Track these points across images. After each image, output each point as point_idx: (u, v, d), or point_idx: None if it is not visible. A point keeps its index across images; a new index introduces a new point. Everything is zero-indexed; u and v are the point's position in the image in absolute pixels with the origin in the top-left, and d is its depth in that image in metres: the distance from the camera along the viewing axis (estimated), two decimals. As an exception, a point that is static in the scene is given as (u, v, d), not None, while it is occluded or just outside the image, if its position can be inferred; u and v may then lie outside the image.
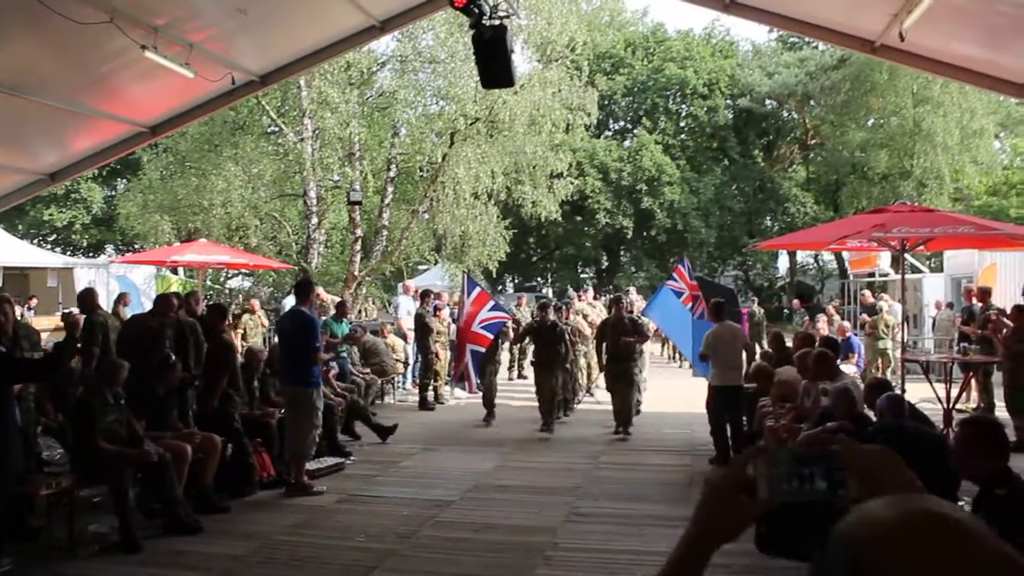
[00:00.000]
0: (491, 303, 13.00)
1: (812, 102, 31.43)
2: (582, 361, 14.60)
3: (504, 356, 16.24)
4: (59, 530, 6.74)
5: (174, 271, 22.98)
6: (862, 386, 9.82)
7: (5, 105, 10.23)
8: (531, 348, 13.92)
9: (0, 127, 11.08)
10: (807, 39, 27.22)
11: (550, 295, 22.73)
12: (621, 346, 11.65)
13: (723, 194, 31.59)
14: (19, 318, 12.89)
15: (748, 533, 1.25)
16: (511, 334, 15.15)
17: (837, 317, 16.63)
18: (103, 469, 6.75)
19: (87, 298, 9.83)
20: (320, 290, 17.13)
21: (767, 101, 32.89)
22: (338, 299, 15.41)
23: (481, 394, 13.19)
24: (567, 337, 12.45)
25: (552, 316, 12.82)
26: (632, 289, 21.55)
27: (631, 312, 12.91)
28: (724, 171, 32.97)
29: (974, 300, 13.76)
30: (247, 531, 7.17)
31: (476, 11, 8.91)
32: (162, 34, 9.43)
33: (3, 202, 13.56)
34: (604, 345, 12.03)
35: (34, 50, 9.48)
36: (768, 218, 33.60)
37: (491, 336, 12.81)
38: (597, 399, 13.48)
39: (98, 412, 6.92)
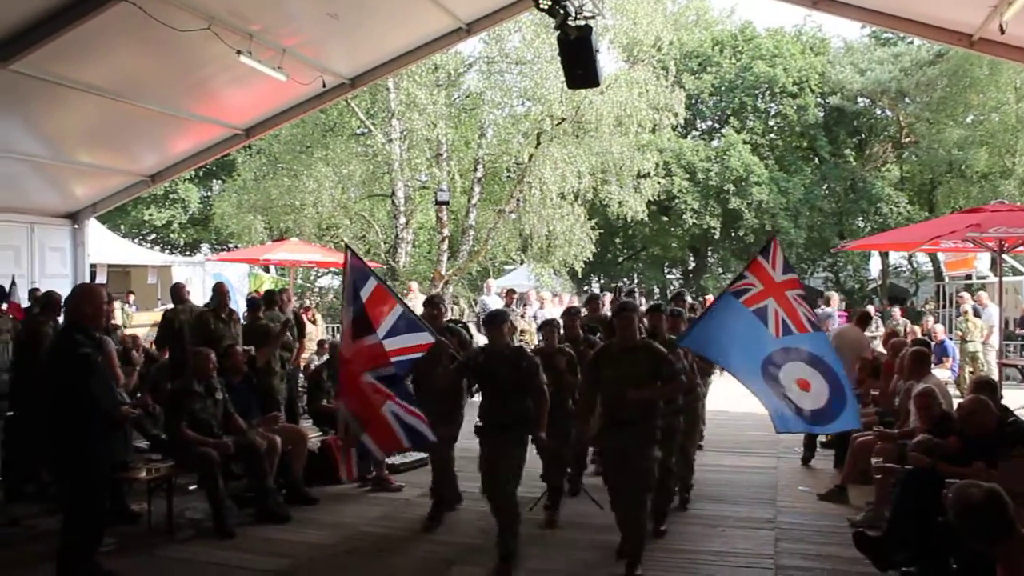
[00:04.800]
0: (396, 312, 6.82)
1: (907, 99, 30.47)
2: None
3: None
4: (157, 514, 7.09)
5: (266, 269, 23.59)
6: (954, 391, 9.62)
7: (110, 110, 10.73)
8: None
9: (106, 131, 11.60)
10: (901, 34, 26.48)
11: (637, 295, 22.36)
12: (630, 403, 6.01)
13: (813, 194, 30.90)
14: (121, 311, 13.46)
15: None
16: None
17: (904, 321, 15.99)
18: (192, 456, 7.05)
19: (175, 291, 10.35)
20: (413, 285, 17.26)
21: (859, 99, 31.97)
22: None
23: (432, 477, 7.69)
24: (542, 375, 6.53)
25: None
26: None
27: (656, 329, 7.37)
28: (814, 171, 32.23)
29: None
30: (333, 521, 7.37)
31: (561, 12, 8.96)
32: (256, 39, 9.75)
33: (108, 202, 14.15)
34: (596, 398, 6.33)
35: (137, 58, 9.91)
36: (860, 219, 32.72)
37: (387, 392, 6.64)
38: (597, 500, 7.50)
39: (184, 401, 7.22)
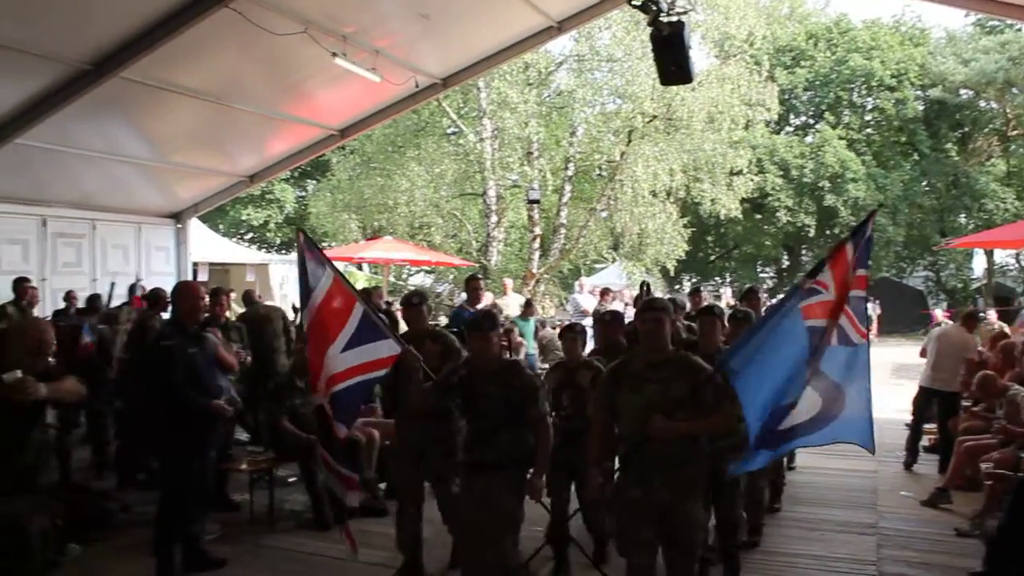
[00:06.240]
0: (357, 314, 5.42)
1: (1015, 90, 29.37)
2: None
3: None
4: (258, 505, 7.35)
5: (359, 267, 23.96)
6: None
7: (212, 114, 11.07)
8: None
9: (207, 134, 11.96)
10: (1009, 21, 25.50)
11: (728, 296, 21.84)
12: (657, 441, 4.36)
13: (912, 190, 30.07)
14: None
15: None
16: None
17: (1000, 325, 14.88)
18: (291, 448, 7.23)
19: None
20: (508, 282, 17.06)
21: (962, 91, 30.95)
22: (524, 298, 15.56)
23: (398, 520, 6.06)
24: (543, 402, 5.12)
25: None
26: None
27: (709, 339, 5.87)
28: (913, 166, 31.31)
29: None
30: (429, 516, 7.41)
31: (654, 8, 8.88)
32: (351, 41, 9.93)
33: (208, 202, 14.59)
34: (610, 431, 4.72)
35: (236, 62, 10.20)
36: (962, 215, 31.77)
37: (345, 426, 5.55)
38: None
39: (286, 396, 7.41)
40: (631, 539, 4.49)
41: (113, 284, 11.30)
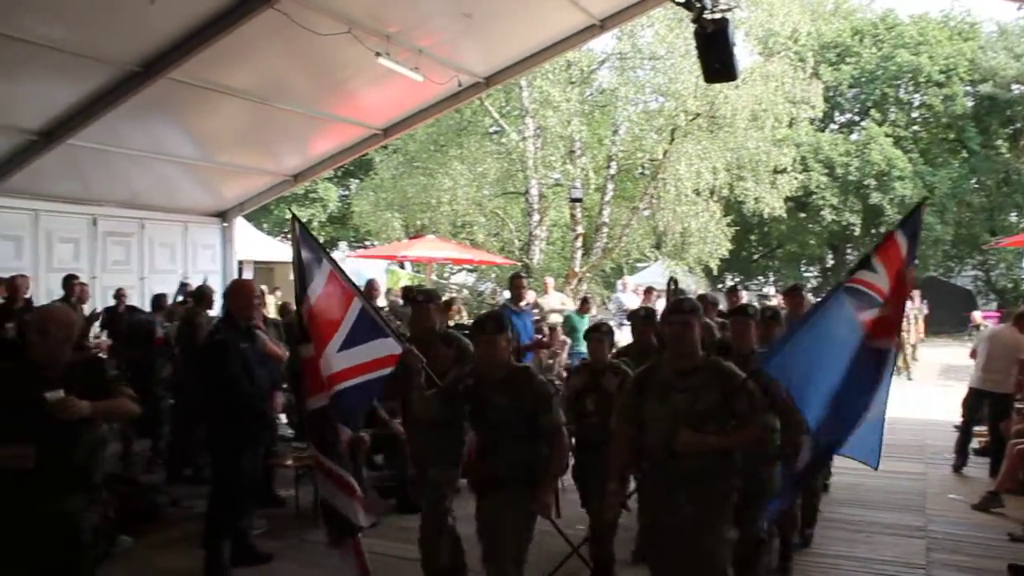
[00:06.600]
0: (355, 309, 5.09)
1: (1069, 85, 28.94)
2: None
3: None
4: (303, 501, 7.47)
5: (401, 266, 24.10)
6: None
7: (256, 113, 11.21)
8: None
9: (252, 133, 12.11)
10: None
11: (772, 294, 21.72)
12: (684, 457, 4.08)
13: (961, 188, 29.58)
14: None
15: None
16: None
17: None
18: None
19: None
20: (549, 281, 17.03)
21: (1014, 86, 30.42)
22: (566, 296, 15.52)
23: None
24: (558, 412, 4.68)
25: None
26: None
27: (742, 342, 5.52)
28: (962, 164, 30.76)
29: None
30: (471, 514, 7.46)
31: (698, 5, 8.85)
32: (394, 41, 10.00)
33: (253, 201, 14.78)
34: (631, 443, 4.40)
35: (281, 62, 10.33)
36: (1013, 213, 31.23)
37: (349, 428, 5.34)
38: None
39: None
40: (658, 559, 4.38)
41: (182, 284, 11.53)
